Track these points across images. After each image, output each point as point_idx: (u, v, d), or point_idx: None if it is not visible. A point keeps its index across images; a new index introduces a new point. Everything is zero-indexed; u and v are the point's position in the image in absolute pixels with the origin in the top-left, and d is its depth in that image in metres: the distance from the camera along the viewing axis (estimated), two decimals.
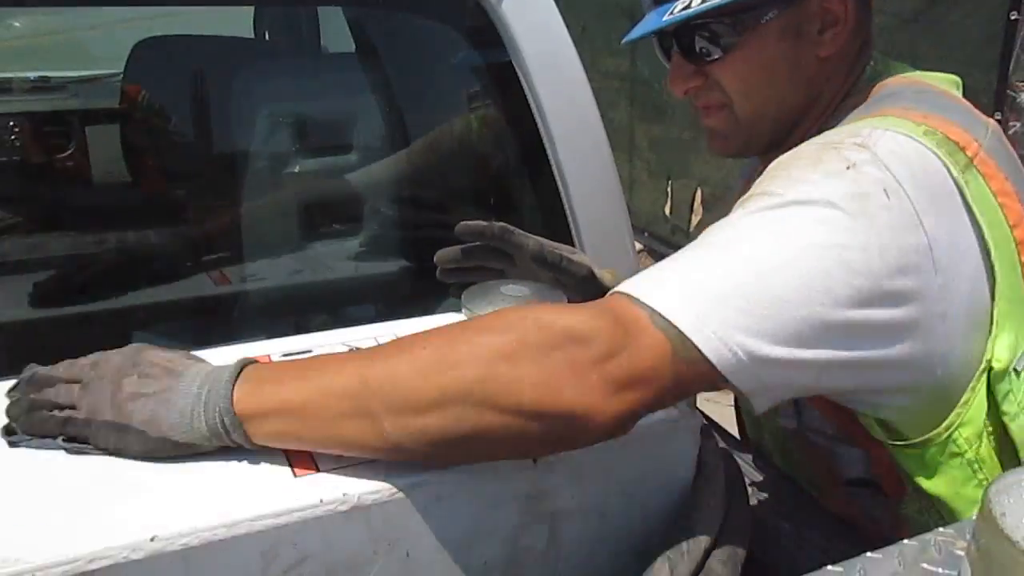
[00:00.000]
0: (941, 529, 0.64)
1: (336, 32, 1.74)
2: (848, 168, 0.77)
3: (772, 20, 0.90)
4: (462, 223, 0.99)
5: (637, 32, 0.97)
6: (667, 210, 5.05)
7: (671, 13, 0.90)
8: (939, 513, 0.89)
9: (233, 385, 0.67)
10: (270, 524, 0.62)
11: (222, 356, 0.84)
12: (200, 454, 0.68)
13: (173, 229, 1.27)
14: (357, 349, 0.75)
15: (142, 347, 0.73)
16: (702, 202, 4.77)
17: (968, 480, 0.85)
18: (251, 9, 1.89)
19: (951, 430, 0.83)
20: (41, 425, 0.69)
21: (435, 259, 0.99)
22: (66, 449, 0.68)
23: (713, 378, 0.69)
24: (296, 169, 1.31)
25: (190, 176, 1.37)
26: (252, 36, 1.91)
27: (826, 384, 0.78)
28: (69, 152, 1.80)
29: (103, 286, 1.20)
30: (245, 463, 0.68)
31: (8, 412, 0.71)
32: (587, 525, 0.75)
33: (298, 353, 0.86)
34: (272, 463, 0.68)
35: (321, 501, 0.64)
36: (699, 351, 0.67)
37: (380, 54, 1.43)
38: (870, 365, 0.76)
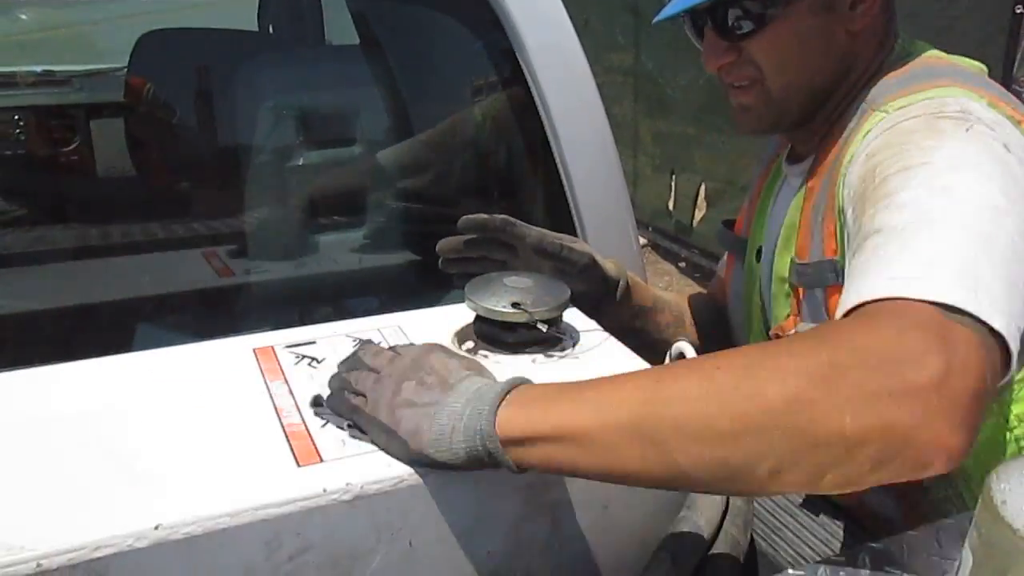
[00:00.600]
0: (945, 520, 0.64)
1: (340, 24, 1.74)
2: (968, 131, 0.78)
3: None
4: (464, 217, 0.98)
5: (671, 10, 0.99)
6: (671, 204, 5.05)
7: None
8: (964, 500, 0.89)
9: (498, 406, 0.63)
10: (274, 513, 0.62)
11: (227, 347, 0.85)
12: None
13: (178, 220, 1.27)
14: (650, 372, 0.67)
15: (432, 348, 0.72)
16: (706, 197, 4.77)
17: (1013, 456, 0.85)
18: (255, 3, 1.89)
19: (1003, 405, 0.84)
20: (339, 405, 0.72)
21: (437, 249, 0.99)
22: (349, 435, 0.70)
23: (1002, 372, 0.62)
24: (301, 162, 1.31)
25: (195, 169, 1.38)
26: (256, 29, 1.91)
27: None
28: (74, 145, 1.81)
29: (106, 277, 1.20)
30: (249, 452, 0.68)
31: (329, 383, 0.75)
32: (589, 515, 0.75)
33: (303, 344, 0.86)
34: (276, 453, 0.68)
35: (325, 491, 0.64)
36: (999, 338, 0.61)
37: (384, 46, 1.43)
38: None
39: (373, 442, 0.69)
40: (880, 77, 0.96)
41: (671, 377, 0.62)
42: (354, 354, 0.75)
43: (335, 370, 0.77)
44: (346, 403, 0.71)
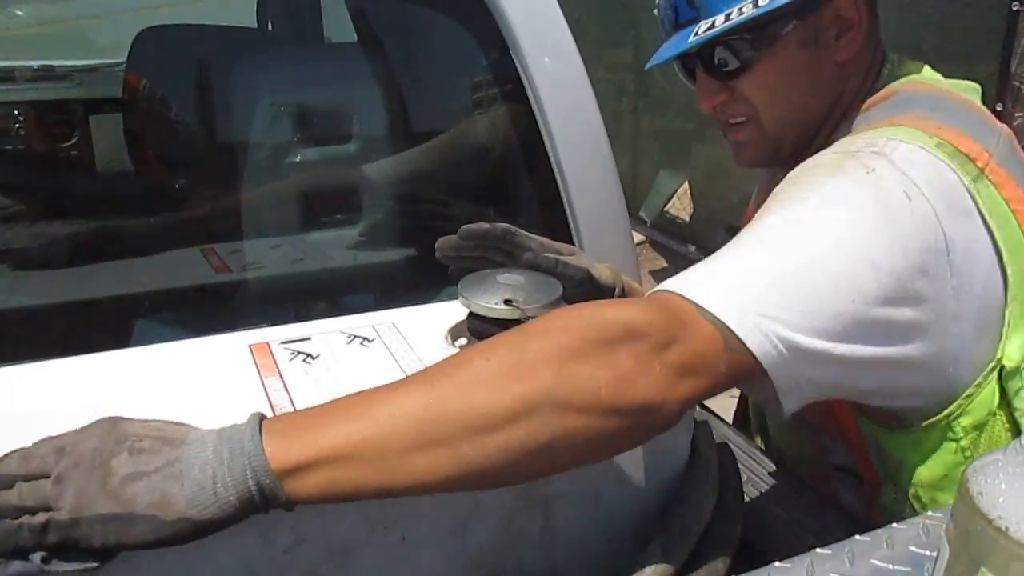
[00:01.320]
0: (930, 513, 0.65)
1: (340, 22, 1.74)
2: (868, 173, 0.80)
3: (791, 31, 0.94)
4: (464, 227, 0.97)
5: (664, 55, 1.02)
6: (668, 201, 5.05)
7: (696, 34, 0.95)
8: (914, 503, 0.92)
9: (259, 441, 0.58)
10: None
11: (223, 343, 0.86)
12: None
13: (176, 217, 1.28)
14: (418, 376, 0.66)
15: (116, 420, 0.62)
16: (703, 193, 4.77)
17: (958, 466, 0.88)
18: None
19: (950, 418, 0.86)
20: (11, 539, 0.55)
21: (436, 246, 0.99)
22: (53, 571, 0.55)
23: (756, 372, 0.70)
24: (299, 159, 1.31)
25: (193, 165, 1.38)
26: (255, 26, 1.91)
27: (851, 384, 0.79)
28: (73, 141, 1.81)
29: (104, 273, 1.21)
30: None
31: None
32: (581, 509, 0.76)
33: (298, 340, 0.87)
34: None
35: None
36: (744, 344, 0.69)
37: (382, 44, 1.44)
38: (893, 364, 0.78)
39: (97, 548, 0.55)
40: (868, 104, 0.98)
41: (440, 375, 0.63)
42: None
43: (332, 370, 0.76)
44: (22, 530, 0.55)
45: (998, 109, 2.74)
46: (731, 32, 0.93)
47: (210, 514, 0.56)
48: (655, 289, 0.74)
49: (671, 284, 0.73)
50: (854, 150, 0.85)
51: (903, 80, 0.98)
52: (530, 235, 1.00)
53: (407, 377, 0.66)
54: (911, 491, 0.92)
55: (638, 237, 5.17)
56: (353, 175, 1.30)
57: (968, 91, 0.98)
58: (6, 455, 0.59)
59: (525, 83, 1.13)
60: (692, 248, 4.75)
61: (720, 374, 0.69)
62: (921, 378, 0.83)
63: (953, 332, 0.81)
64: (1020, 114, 2.81)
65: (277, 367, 0.82)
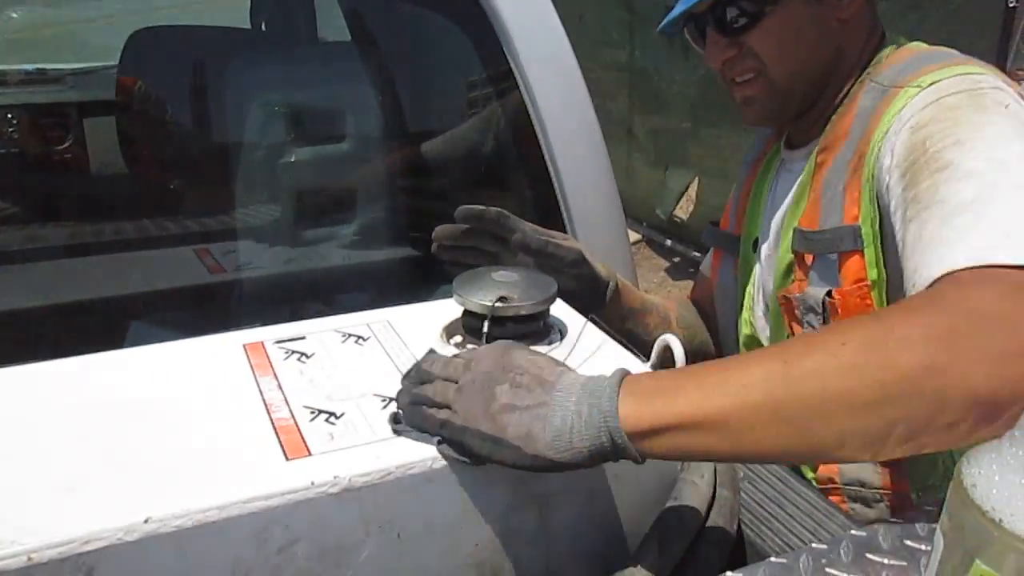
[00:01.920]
0: (925, 508, 0.65)
1: (333, 21, 1.74)
2: (1007, 107, 0.86)
3: None
4: (461, 207, 1.01)
5: (675, 13, 1.07)
6: (664, 200, 5.05)
7: None
8: (945, 459, 0.96)
9: (617, 400, 0.63)
10: (262, 506, 0.63)
11: (217, 343, 0.86)
12: None
13: (169, 218, 1.28)
14: (769, 352, 0.67)
15: (510, 348, 0.70)
16: (699, 192, 4.77)
17: None
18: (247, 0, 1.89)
19: None
20: (422, 421, 0.69)
21: (433, 235, 1.01)
22: (442, 451, 0.68)
23: None
24: (292, 158, 1.31)
25: (187, 166, 1.38)
26: (248, 27, 1.91)
27: None
28: (67, 144, 1.81)
29: (98, 274, 1.21)
30: (238, 447, 0.69)
31: (398, 400, 0.72)
32: (577, 506, 0.75)
33: (292, 339, 0.87)
34: (265, 447, 0.69)
35: (312, 483, 0.64)
36: None
37: (375, 43, 1.44)
38: None
39: (474, 454, 0.66)
40: (881, 63, 1.04)
41: (796, 355, 0.63)
42: (418, 367, 0.73)
43: (326, 369, 0.77)
44: (431, 418, 0.68)
45: None
46: None
47: (565, 458, 0.63)
48: (940, 270, 0.71)
49: (963, 258, 0.69)
50: (969, 88, 0.89)
51: (911, 44, 1.05)
52: (523, 222, 1.01)
53: (760, 351, 0.68)
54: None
55: (634, 236, 5.17)
56: (347, 175, 1.30)
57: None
58: (435, 357, 0.73)
59: (519, 82, 1.13)
60: (690, 247, 4.75)
61: None
62: None
63: None
64: None
65: (272, 366, 0.81)
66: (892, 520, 0.77)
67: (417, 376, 0.72)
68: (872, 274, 0.98)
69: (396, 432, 0.70)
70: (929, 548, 0.61)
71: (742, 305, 1.21)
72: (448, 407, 0.68)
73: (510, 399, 0.65)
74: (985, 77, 0.91)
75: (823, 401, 0.60)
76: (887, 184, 0.92)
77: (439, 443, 0.68)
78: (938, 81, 0.92)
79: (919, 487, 0.98)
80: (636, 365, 0.83)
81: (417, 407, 0.70)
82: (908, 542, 0.62)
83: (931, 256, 0.73)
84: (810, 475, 1.14)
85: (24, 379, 0.79)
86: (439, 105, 1.34)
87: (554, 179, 1.13)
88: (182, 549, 0.61)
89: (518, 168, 1.25)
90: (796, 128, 1.16)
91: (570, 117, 1.16)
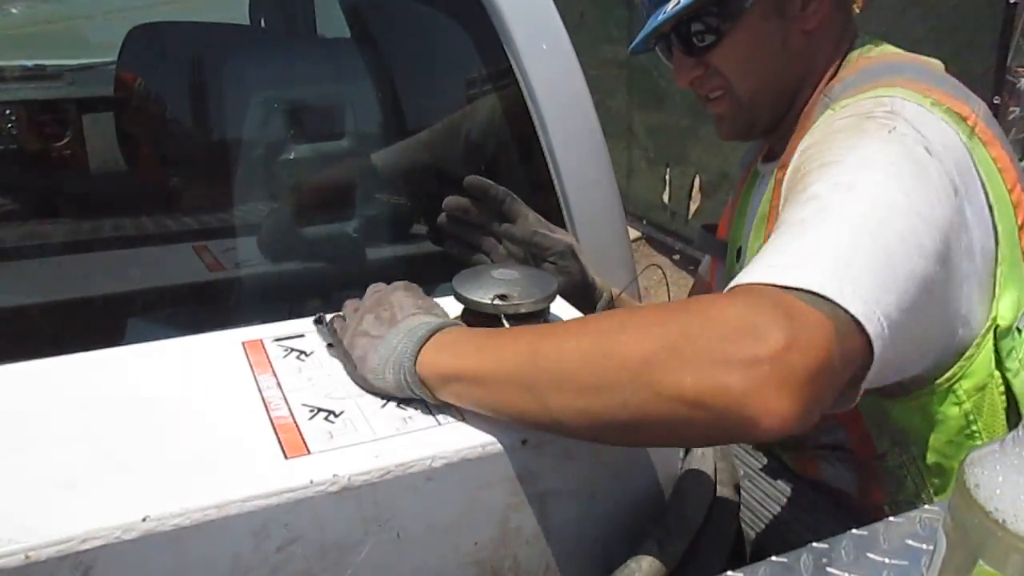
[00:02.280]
0: (927, 506, 0.65)
1: (332, 18, 1.73)
2: (890, 132, 0.81)
3: (756, 3, 0.99)
4: (471, 176, 1.02)
5: (641, 35, 1.07)
6: (665, 198, 5.05)
7: (664, 12, 1.01)
8: (921, 469, 0.93)
9: (420, 348, 0.72)
10: (261, 505, 0.63)
11: (216, 340, 0.86)
12: None
13: (168, 215, 1.27)
14: (550, 327, 0.77)
15: (398, 287, 0.82)
16: (700, 189, 4.77)
17: (961, 429, 0.90)
18: None
19: (952, 381, 0.88)
20: (327, 328, 0.85)
21: (443, 204, 1.02)
22: (328, 353, 0.82)
23: (860, 357, 0.66)
24: (292, 155, 1.31)
25: (186, 163, 1.38)
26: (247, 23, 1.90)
27: (901, 358, 0.77)
28: (66, 140, 1.80)
29: (97, 271, 1.20)
30: (237, 445, 0.68)
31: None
32: (577, 506, 0.75)
33: (291, 337, 0.87)
34: (264, 445, 0.68)
35: (311, 482, 0.64)
36: (860, 325, 0.64)
37: (375, 39, 1.43)
38: (930, 326, 0.80)
39: (339, 358, 0.80)
40: (842, 73, 1.01)
41: (553, 334, 0.70)
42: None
43: (325, 367, 0.80)
44: (331, 327, 0.83)
45: (995, 102, 2.75)
46: (696, 6, 0.99)
47: (379, 385, 0.74)
48: (745, 281, 0.69)
49: (767, 275, 0.67)
50: (865, 112, 0.86)
51: (877, 51, 1.02)
52: (528, 209, 1.02)
53: (538, 326, 0.78)
54: (917, 457, 0.93)
55: (633, 233, 5.17)
56: (345, 170, 1.29)
57: (932, 66, 1.00)
58: (378, 284, 0.85)
59: (519, 77, 1.12)
60: (690, 245, 4.75)
61: (836, 372, 0.62)
62: (937, 340, 0.83)
63: (965, 291, 0.83)
64: (1015, 108, 2.81)
65: (270, 364, 0.81)
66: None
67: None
68: None
69: (316, 329, 0.86)
70: (930, 547, 0.61)
71: None
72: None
73: (368, 326, 0.77)
74: (892, 100, 0.86)
75: (556, 378, 0.65)
76: (781, 206, 0.88)
77: (328, 346, 0.83)
78: (848, 104, 0.90)
79: (890, 500, 0.98)
80: None
81: (338, 317, 0.84)
82: (909, 541, 0.61)
83: (746, 270, 0.71)
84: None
85: (22, 376, 0.79)
86: (439, 101, 1.34)
87: (554, 176, 1.13)
88: (180, 548, 0.61)
89: (517, 165, 1.24)
90: (773, 140, 1.14)
91: (570, 114, 1.15)
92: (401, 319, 0.76)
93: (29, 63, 2.17)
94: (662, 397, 0.60)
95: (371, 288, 0.84)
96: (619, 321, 0.67)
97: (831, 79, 1.02)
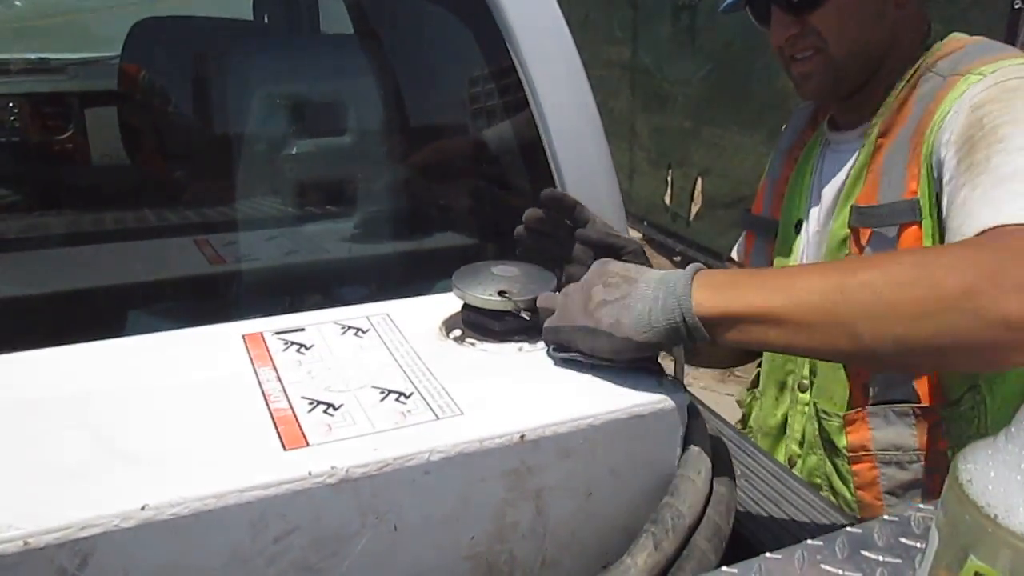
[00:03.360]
0: (920, 505, 0.65)
1: (335, 14, 1.74)
2: None
3: None
4: (546, 190, 1.04)
5: None
6: (667, 199, 5.05)
7: None
8: (988, 408, 1.05)
9: (691, 287, 0.73)
10: (259, 495, 0.63)
11: (216, 333, 0.86)
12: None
13: (170, 209, 1.28)
14: (827, 265, 0.81)
15: (606, 261, 0.82)
16: (702, 191, 4.77)
17: None
18: None
19: None
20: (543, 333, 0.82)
21: (524, 217, 1.04)
22: (552, 356, 0.81)
23: None
24: (294, 150, 1.31)
25: (188, 157, 1.38)
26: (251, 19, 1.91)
27: None
28: (69, 133, 1.81)
29: (98, 263, 1.21)
30: (236, 436, 0.69)
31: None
32: (573, 502, 0.76)
33: (292, 331, 0.87)
34: (262, 437, 0.69)
35: (310, 473, 0.64)
36: None
37: (377, 35, 1.43)
38: None
39: (577, 348, 0.78)
40: (935, 53, 1.12)
41: (853, 269, 0.72)
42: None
43: (325, 361, 0.80)
44: (545, 329, 0.81)
45: None
46: None
47: (647, 337, 0.74)
48: (992, 225, 0.81)
49: (1013, 217, 0.80)
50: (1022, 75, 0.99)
51: (954, 37, 1.14)
52: (593, 214, 1.05)
53: (818, 264, 0.89)
54: (988, 399, 1.04)
55: (634, 234, 5.17)
56: (348, 168, 1.29)
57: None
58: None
59: (522, 77, 1.13)
60: (691, 246, 4.75)
61: None
62: None
63: None
64: None
65: (270, 357, 0.82)
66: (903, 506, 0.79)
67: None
68: (928, 244, 1.05)
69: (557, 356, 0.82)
70: (923, 546, 0.61)
71: None
72: (550, 312, 0.80)
73: (602, 296, 0.76)
74: None
75: (872, 309, 0.68)
76: (944, 157, 1.00)
77: (553, 350, 0.80)
78: (998, 69, 1.01)
79: (956, 445, 1.03)
80: None
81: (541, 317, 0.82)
82: (903, 539, 0.62)
83: (979, 213, 0.83)
84: (842, 443, 1.18)
85: (24, 366, 0.79)
86: (441, 99, 1.34)
87: (555, 176, 1.13)
88: (179, 537, 0.61)
89: (519, 162, 1.24)
90: (846, 109, 1.23)
91: (572, 111, 1.15)
92: (637, 275, 0.77)
93: (33, 56, 2.18)
94: (985, 322, 0.66)
95: (571, 286, 0.82)
96: (923, 256, 0.74)
97: (915, 55, 1.13)
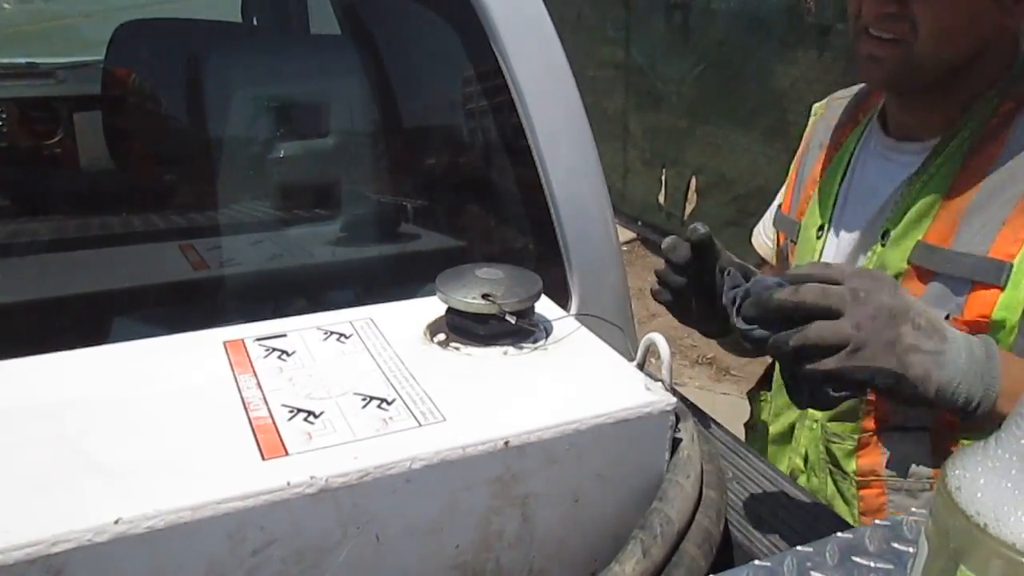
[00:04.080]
0: (913, 509, 0.64)
1: (324, 15, 1.73)
2: None
3: None
4: (697, 230, 0.92)
5: None
6: (661, 198, 5.04)
7: None
8: None
9: (998, 386, 0.75)
10: (236, 507, 0.61)
11: (197, 340, 0.84)
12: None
13: (154, 214, 1.26)
14: None
15: (895, 283, 0.77)
16: (696, 190, 4.76)
17: None
18: None
19: None
20: (811, 377, 0.75)
21: (664, 271, 0.97)
22: (833, 399, 0.77)
23: None
24: (281, 153, 1.30)
25: (173, 160, 1.37)
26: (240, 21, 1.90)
27: None
28: (57, 138, 1.79)
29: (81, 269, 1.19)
30: (214, 446, 0.67)
31: (777, 345, 0.75)
32: (560, 509, 0.74)
33: (273, 336, 0.86)
34: (241, 446, 0.67)
35: (288, 484, 0.63)
36: None
37: (365, 36, 1.42)
38: None
39: (871, 387, 0.75)
40: None
41: None
42: (771, 294, 0.76)
43: (307, 367, 0.76)
44: (819, 373, 0.73)
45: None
46: None
47: (943, 400, 0.74)
48: None
49: None
50: None
51: None
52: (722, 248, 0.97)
53: None
54: None
55: (628, 234, 5.16)
56: (334, 170, 1.28)
57: None
58: (806, 284, 0.75)
59: (506, 76, 1.11)
60: None
61: None
62: None
63: None
64: None
65: (251, 364, 0.80)
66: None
67: (783, 300, 0.75)
68: (1000, 315, 0.97)
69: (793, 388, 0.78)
70: (916, 551, 0.60)
71: None
72: (839, 346, 0.73)
73: (915, 340, 0.73)
74: None
75: None
76: None
77: (827, 387, 0.74)
78: None
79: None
80: (620, 362, 0.82)
81: (802, 364, 0.74)
82: (895, 544, 0.60)
83: None
84: (851, 467, 1.12)
85: (1, 374, 0.78)
86: (428, 99, 1.33)
87: (541, 175, 1.12)
88: (154, 551, 0.60)
89: (505, 162, 1.23)
90: (906, 109, 1.12)
91: (558, 110, 1.14)
92: (946, 331, 0.76)
93: (21, 60, 2.16)
94: None
95: (832, 289, 0.75)
96: None
97: (999, 76, 1.04)
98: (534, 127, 1.11)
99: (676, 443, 0.80)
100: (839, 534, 0.62)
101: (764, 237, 1.39)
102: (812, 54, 3.95)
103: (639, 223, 5.24)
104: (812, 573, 0.58)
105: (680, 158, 4.89)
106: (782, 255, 1.30)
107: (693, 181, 4.78)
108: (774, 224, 1.35)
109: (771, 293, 0.77)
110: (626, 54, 5.24)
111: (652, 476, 0.79)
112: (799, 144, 1.35)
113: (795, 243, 1.23)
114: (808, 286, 0.75)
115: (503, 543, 0.72)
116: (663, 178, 5.06)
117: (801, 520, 0.92)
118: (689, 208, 4.80)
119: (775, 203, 1.38)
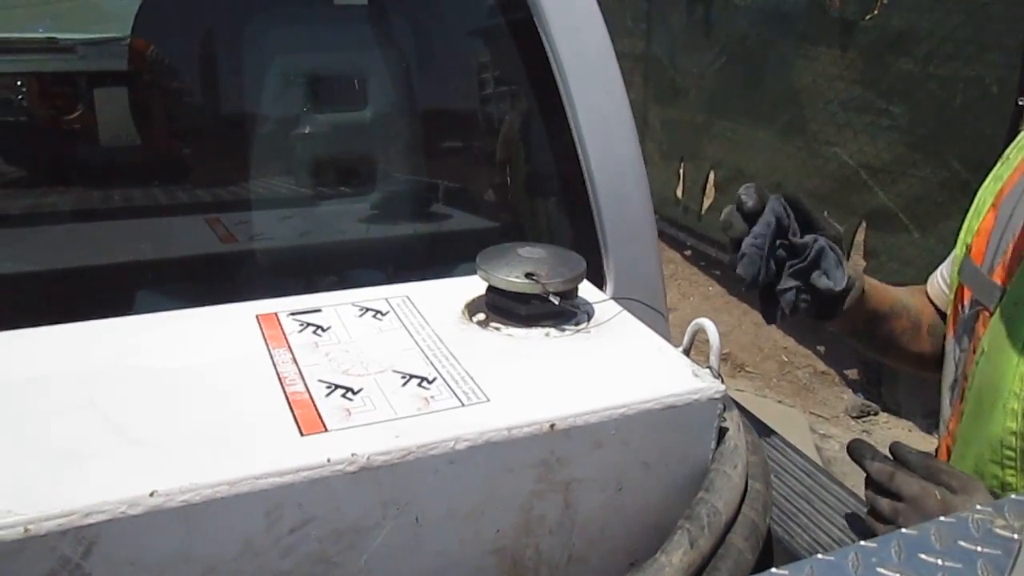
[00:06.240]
0: (979, 507, 0.61)
1: None
2: None
3: None
4: (742, 199, 0.98)
5: None
6: (679, 192, 5.01)
7: None
8: None
9: None
10: (275, 483, 0.59)
11: (229, 312, 0.82)
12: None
13: (181, 187, 1.24)
14: None
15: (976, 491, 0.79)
16: (715, 184, 4.72)
17: None
18: None
19: None
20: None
21: (721, 224, 1.01)
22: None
23: None
24: (307, 126, 1.27)
25: (199, 134, 1.34)
26: None
27: None
28: (77, 113, 1.77)
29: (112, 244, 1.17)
30: (250, 421, 0.65)
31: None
32: (603, 496, 0.72)
33: (308, 311, 0.83)
34: (278, 421, 0.65)
35: (328, 461, 0.61)
36: None
37: (393, 8, 1.39)
38: None
39: None
40: None
41: None
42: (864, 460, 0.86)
43: (343, 343, 0.74)
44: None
45: (1019, 103, 2.70)
46: None
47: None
48: None
49: None
50: None
51: None
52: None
53: None
54: None
55: None
56: (364, 144, 1.26)
57: None
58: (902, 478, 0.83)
59: (550, 56, 1.09)
60: (702, 240, 4.70)
61: None
62: None
63: None
64: None
65: (286, 338, 0.78)
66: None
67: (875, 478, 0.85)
68: None
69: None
70: (983, 550, 0.57)
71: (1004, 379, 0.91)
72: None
73: None
74: None
75: None
76: None
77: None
78: None
79: None
80: (665, 347, 0.80)
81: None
82: (962, 543, 0.58)
83: None
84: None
85: (29, 343, 0.76)
86: (460, 74, 1.30)
87: (581, 156, 1.09)
88: (189, 526, 0.57)
89: (544, 144, 1.20)
90: None
91: (599, 91, 1.11)
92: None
93: (41, 35, 2.15)
94: None
95: (914, 480, 0.82)
96: None
97: None
98: (575, 107, 1.08)
99: (722, 432, 0.78)
100: (903, 531, 0.59)
101: (942, 285, 1.16)
102: (835, 50, 3.90)
103: (656, 216, 5.22)
104: (878, 570, 0.55)
105: (698, 152, 4.85)
106: (967, 320, 1.02)
107: (711, 175, 4.74)
108: (960, 274, 1.04)
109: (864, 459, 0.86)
110: (646, 46, 5.20)
111: (697, 465, 0.76)
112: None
113: (991, 313, 0.94)
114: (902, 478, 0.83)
115: (544, 529, 0.70)
116: (681, 172, 5.03)
117: (840, 515, 0.89)
118: (707, 203, 4.76)
119: (959, 242, 1.09)
